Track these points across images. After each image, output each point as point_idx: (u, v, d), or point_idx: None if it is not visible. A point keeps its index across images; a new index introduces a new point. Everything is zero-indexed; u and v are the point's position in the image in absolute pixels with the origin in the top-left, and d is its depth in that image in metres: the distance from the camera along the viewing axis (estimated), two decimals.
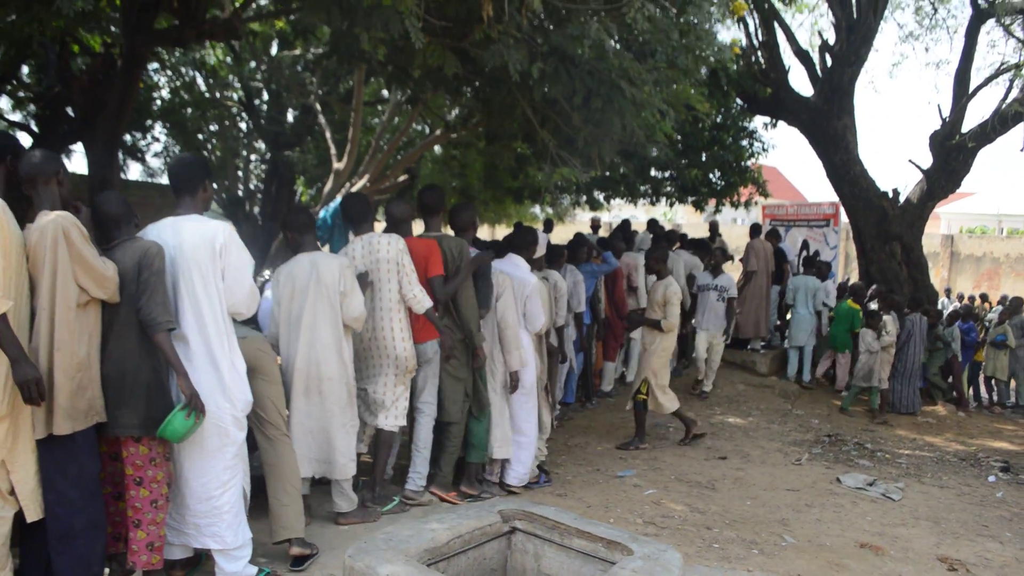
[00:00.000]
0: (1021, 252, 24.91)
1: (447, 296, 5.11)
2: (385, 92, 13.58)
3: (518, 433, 5.78)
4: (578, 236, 8.70)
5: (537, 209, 19.64)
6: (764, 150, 12.40)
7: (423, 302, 4.83)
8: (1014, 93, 11.03)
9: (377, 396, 4.90)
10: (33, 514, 3.07)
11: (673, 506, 5.77)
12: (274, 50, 12.41)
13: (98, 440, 3.31)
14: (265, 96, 13.24)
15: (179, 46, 10.34)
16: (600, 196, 16.50)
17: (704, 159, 11.91)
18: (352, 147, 11.08)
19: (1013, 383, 11.74)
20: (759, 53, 12.66)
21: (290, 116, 13.28)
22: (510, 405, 5.80)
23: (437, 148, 14.64)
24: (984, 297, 15.88)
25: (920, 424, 10.01)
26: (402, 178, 13.27)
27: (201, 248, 3.48)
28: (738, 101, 12.45)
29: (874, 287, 11.59)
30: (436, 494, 5.32)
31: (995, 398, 11.83)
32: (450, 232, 5.62)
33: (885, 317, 10.23)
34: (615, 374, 9.80)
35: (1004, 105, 10.99)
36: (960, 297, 16.39)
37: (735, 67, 9.36)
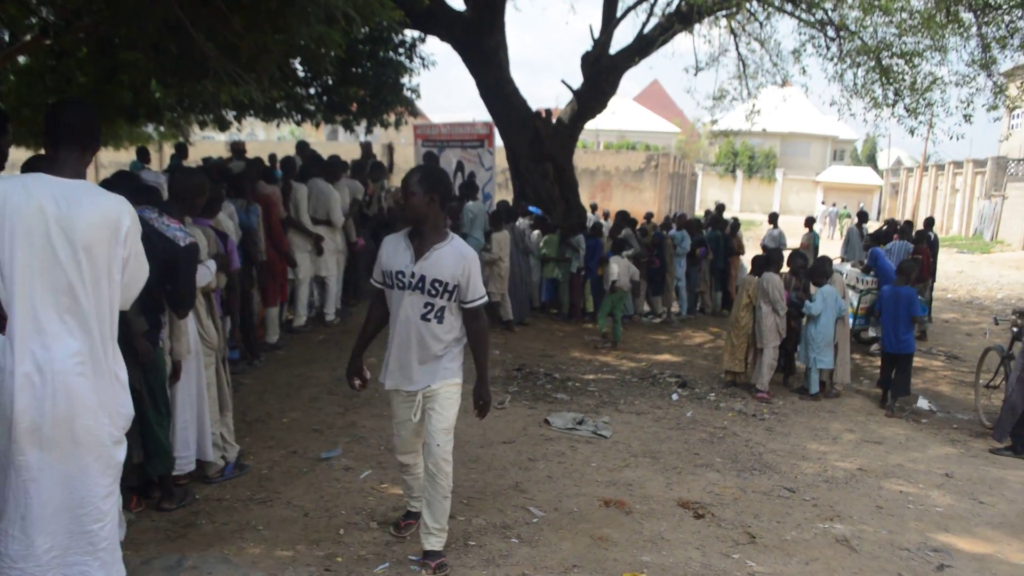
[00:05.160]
0: (628, 165, 27.39)
1: None
2: None
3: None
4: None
5: (151, 129, 16.99)
6: (425, 66, 11.62)
7: None
8: (655, 19, 11.40)
9: None
10: None
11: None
12: None
13: None
14: None
15: None
16: (230, 115, 14.58)
17: (361, 74, 10.78)
18: None
19: None
20: None
21: None
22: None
23: (22, 58, 11.73)
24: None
25: (588, 343, 10.19)
26: None
27: (101, 230, 2.72)
28: None
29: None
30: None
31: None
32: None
33: (495, 235, 10.03)
34: (279, 320, 8.59)
35: (646, 29, 11.31)
36: (605, 215, 17.18)
37: None
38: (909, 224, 13.02)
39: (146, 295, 4.07)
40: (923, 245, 11.53)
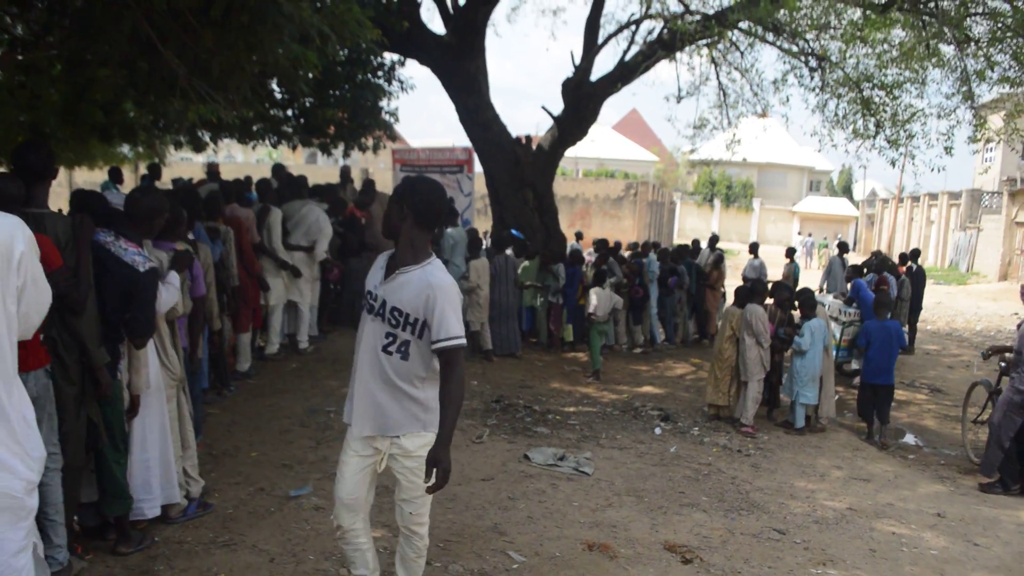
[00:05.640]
0: (607, 193, 27.35)
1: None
2: None
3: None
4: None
5: (127, 149, 16.61)
6: (404, 90, 11.43)
7: None
8: (636, 47, 11.33)
9: None
10: None
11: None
12: None
13: None
14: None
15: None
16: (205, 136, 14.29)
17: (339, 97, 10.57)
18: None
19: None
20: None
21: None
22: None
23: None
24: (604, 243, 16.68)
25: (568, 374, 9.98)
26: None
27: None
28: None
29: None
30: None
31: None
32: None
33: (474, 263, 9.80)
34: (251, 348, 8.28)
35: (627, 57, 11.23)
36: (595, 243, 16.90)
37: None
38: (903, 257, 13.13)
39: (104, 324, 3.83)
40: (883, 274, 11.51)
